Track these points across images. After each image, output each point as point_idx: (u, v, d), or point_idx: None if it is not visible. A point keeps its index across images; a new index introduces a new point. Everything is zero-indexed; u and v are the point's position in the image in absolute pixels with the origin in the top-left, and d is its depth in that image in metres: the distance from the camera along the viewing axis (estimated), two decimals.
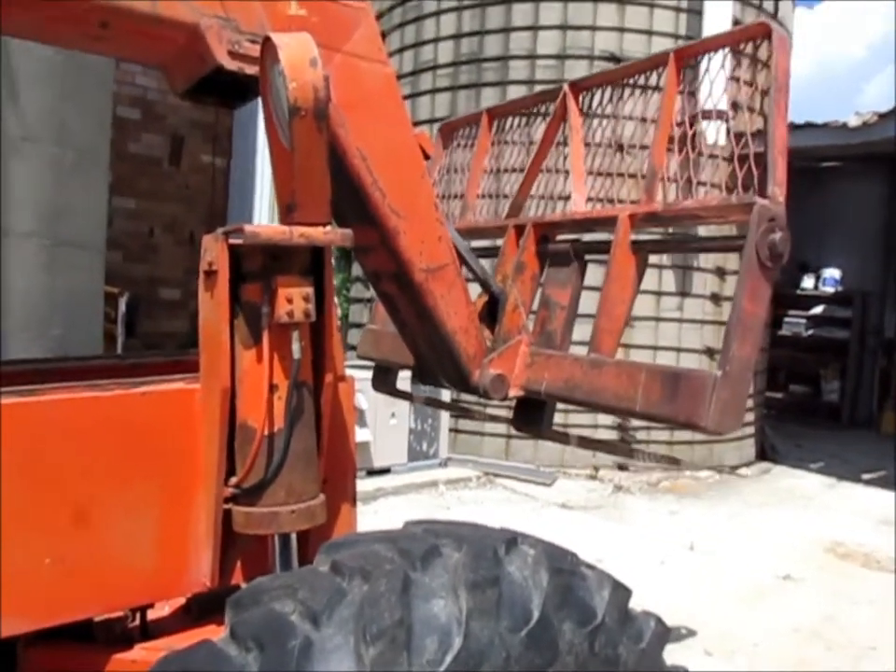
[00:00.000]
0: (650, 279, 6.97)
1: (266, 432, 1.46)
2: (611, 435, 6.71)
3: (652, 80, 1.92)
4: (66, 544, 1.44)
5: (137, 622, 1.67)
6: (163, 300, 9.60)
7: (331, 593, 1.01)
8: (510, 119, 2.51)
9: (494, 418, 2.61)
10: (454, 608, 1.03)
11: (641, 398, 1.70)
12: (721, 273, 6.96)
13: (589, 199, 2.13)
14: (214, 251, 1.45)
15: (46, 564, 1.41)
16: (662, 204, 1.82)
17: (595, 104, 2.15)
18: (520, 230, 2.16)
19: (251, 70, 1.50)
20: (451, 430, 6.75)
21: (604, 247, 1.91)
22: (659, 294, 6.87)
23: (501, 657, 1.04)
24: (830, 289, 10.81)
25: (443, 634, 1.00)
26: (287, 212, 1.49)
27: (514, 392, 2.04)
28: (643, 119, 1.98)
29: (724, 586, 4.30)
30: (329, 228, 1.48)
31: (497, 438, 6.81)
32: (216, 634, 1.62)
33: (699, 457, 7.02)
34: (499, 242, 2.26)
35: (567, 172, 2.19)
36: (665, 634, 1.33)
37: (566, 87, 2.17)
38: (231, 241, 1.45)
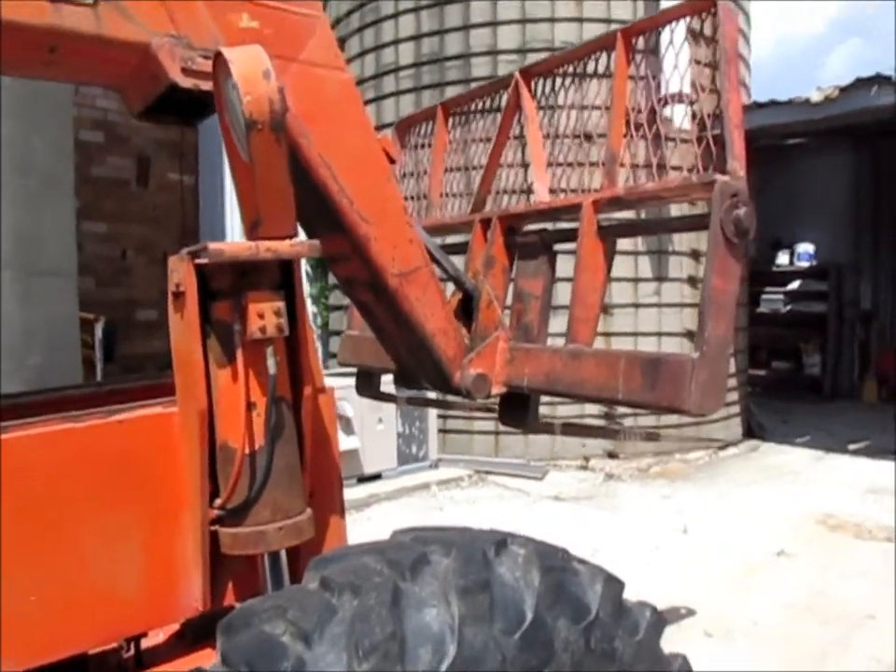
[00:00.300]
0: (626, 266, 7.01)
1: (247, 451, 1.45)
2: (599, 423, 6.72)
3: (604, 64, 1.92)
4: (52, 579, 1.42)
5: (132, 651, 1.66)
6: (140, 321, 9.50)
7: (321, 610, 0.99)
8: (466, 111, 2.52)
9: (479, 409, 2.60)
10: (446, 615, 1.02)
11: (623, 386, 1.70)
12: (696, 255, 7.00)
13: (552, 190, 2.14)
14: (180, 272, 1.44)
15: (32, 601, 1.39)
16: (624, 189, 1.82)
17: (548, 90, 2.16)
18: (486, 223, 2.16)
19: (207, 86, 1.49)
20: (440, 431, 6.74)
21: (572, 235, 1.92)
22: (636, 280, 6.90)
23: (497, 661, 1.03)
24: (805, 264, 10.91)
25: (437, 643, 0.99)
26: (252, 227, 1.47)
27: (497, 390, 2.04)
28: (596, 108, 1.99)
29: (719, 567, 4.32)
30: (295, 240, 1.46)
31: (487, 435, 6.81)
32: (211, 659, 1.61)
33: (688, 439, 7.06)
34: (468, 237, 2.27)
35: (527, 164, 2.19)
36: (662, 623, 1.33)
37: (516, 74, 2.16)
38: (198, 261, 1.43)
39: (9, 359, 4.83)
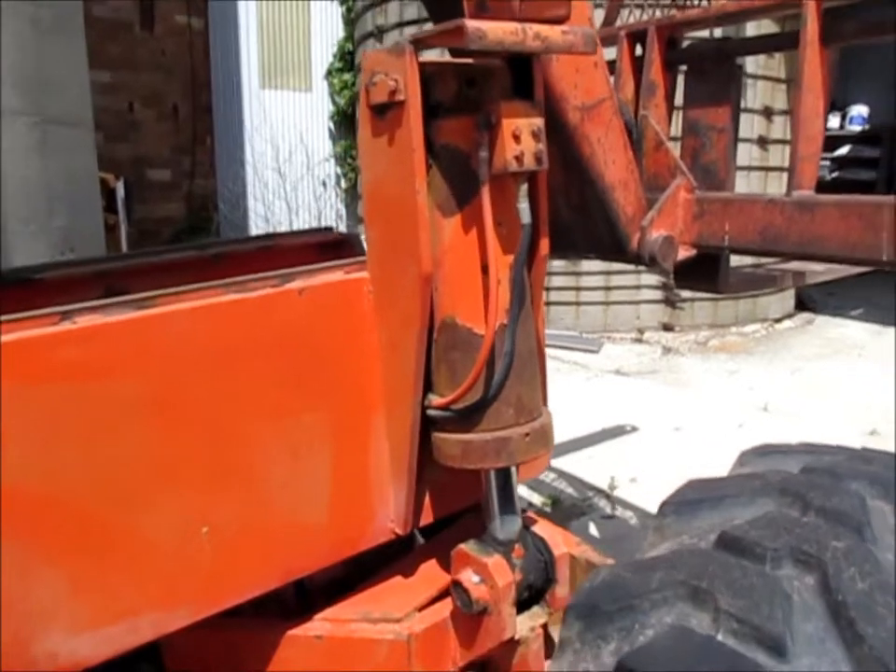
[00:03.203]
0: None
1: (486, 332, 1.05)
2: (656, 295, 6.36)
3: None
4: (223, 503, 1.05)
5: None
6: (153, 182, 8.90)
7: (769, 593, 0.62)
8: None
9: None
10: None
11: (889, 244, 1.33)
12: (768, 113, 6.39)
13: None
14: (396, 72, 0.98)
15: (202, 533, 1.03)
16: None
17: None
18: (634, 37, 1.74)
19: None
20: None
21: (758, 45, 1.50)
22: None
23: None
24: (857, 128, 10.20)
25: None
26: (479, 6, 1.02)
27: (685, 253, 1.67)
28: None
29: None
30: (566, 26, 1.01)
31: None
32: (386, 599, 1.26)
33: (744, 312, 6.73)
34: None
35: None
36: None
37: None
38: (423, 57, 1.00)
39: (34, 219, 4.35)
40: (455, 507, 1.30)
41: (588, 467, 3.73)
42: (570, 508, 3.39)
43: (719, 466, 1.04)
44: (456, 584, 1.13)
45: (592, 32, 1.02)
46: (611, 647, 0.63)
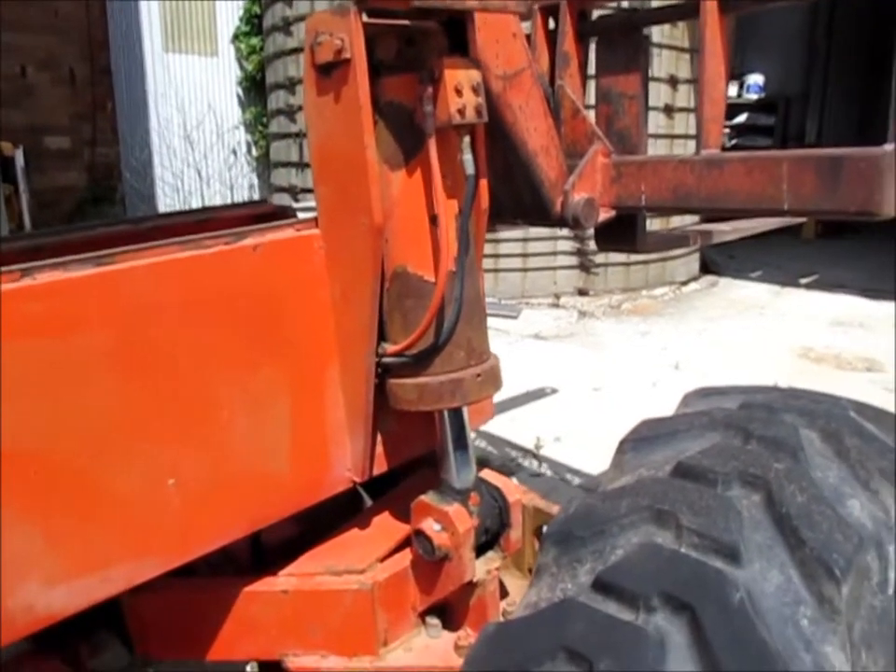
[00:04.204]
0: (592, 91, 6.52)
1: (438, 278, 1.11)
2: (571, 261, 6.53)
3: None
4: (188, 454, 1.08)
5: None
6: (51, 150, 8.49)
7: (723, 511, 0.70)
8: None
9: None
10: (873, 508, 0.75)
11: (789, 194, 1.46)
12: (673, 82, 6.60)
13: None
14: (342, 31, 1.03)
15: (170, 485, 1.05)
16: None
17: None
18: (547, 11, 1.80)
19: None
20: None
21: (663, 15, 1.64)
22: None
23: None
24: (753, 96, 10.66)
25: (878, 546, 0.73)
26: None
27: (605, 214, 1.76)
28: None
29: None
30: None
31: None
32: (361, 546, 1.31)
33: (653, 276, 6.99)
34: None
35: None
36: None
37: None
38: (367, 19, 1.04)
39: None
40: (409, 454, 1.35)
41: (513, 428, 3.85)
42: (499, 468, 3.50)
43: (637, 421, 1.12)
44: (418, 533, 1.19)
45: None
46: (586, 567, 0.71)
